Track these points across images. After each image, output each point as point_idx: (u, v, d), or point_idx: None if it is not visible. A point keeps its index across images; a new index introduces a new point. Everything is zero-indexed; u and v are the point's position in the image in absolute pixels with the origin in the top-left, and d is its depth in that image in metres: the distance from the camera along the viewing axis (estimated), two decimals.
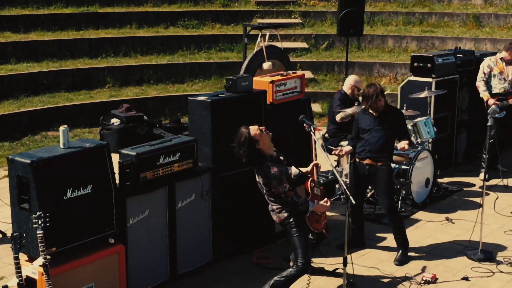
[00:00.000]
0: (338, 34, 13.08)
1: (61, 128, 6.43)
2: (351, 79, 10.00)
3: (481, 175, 10.64)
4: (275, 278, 6.60)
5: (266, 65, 10.18)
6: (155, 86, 15.16)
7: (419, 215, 9.24)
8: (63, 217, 6.25)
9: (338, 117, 9.69)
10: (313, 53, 16.97)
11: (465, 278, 7.43)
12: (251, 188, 7.20)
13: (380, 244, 8.34)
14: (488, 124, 7.96)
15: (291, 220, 6.62)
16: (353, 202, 6.06)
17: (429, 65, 10.61)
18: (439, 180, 10.34)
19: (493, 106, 8.03)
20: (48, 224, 5.96)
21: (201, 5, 18.54)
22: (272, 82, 8.20)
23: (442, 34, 17.14)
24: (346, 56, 13.25)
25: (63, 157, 6.29)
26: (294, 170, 7.07)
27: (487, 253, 7.97)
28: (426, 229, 8.79)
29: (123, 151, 6.95)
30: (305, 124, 7.17)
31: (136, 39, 16.48)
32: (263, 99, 8.04)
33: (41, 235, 5.92)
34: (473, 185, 10.46)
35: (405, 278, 7.44)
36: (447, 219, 9.03)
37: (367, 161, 7.82)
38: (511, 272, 7.60)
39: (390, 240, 8.33)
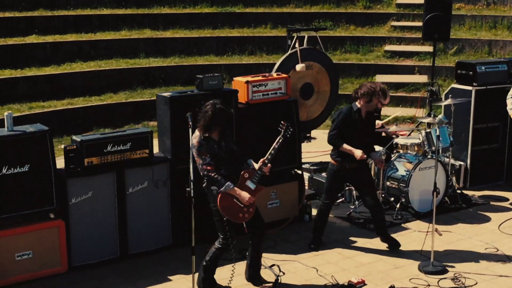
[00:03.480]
0: (423, 38, 12.90)
1: (5, 113, 7.42)
2: None
3: None
4: (205, 260, 7.20)
5: (299, 66, 10.46)
6: None
7: (413, 224, 9.12)
8: None
9: None
10: (439, 57, 16.60)
11: (392, 287, 7.38)
12: None
13: (343, 248, 8.41)
14: (436, 134, 7.79)
15: (212, 202, 7.03)
16: (192, 195, 6.31)
17: (470, 72, 10.28)
18: (471, 192, 10.08)
19: (439, 116, 7.79)
20: None
21: (343, 6, 18.83)
22: (247, 82, 8.60)
23: None
24: (432, 61, 12.99)
25: (1, 138, 7.27)
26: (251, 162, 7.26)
27: (437, 266, 7.78)
28: (406, 237, 8.68)
29: (73, 137, 7.83)
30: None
31: (264, 38, 17.23)
32: (234, 98, 8.45)
33: None
34: (507, 199, 10.00)
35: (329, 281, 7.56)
36: (435, 230, 8.81)
37: (355, 165, 8.09)
38: (447, 287, 7.39)
39: (358, 244, 8.46)
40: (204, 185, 7.02)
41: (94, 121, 13.78)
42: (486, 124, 10.43)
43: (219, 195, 6.93)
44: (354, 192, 9.46)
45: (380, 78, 15.92)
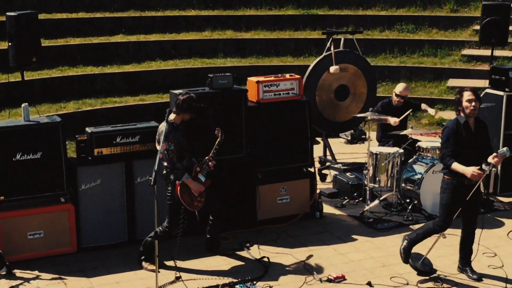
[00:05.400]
0: (480, 43, 12.82)
1: (23, 105, 8.20)
2: (397, 87, 10.21)
3: None
4: (149, 236, 7.93)
5: (333, 68, 10.73)
6: None
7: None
8: (12, 174, 8.03)
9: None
10: None
11: (369, 284, 7.59)
12: (219, 177, 8.40)
13: (341, 244, 8.67)
14: None
15: (169, 187, 7.77)
16: (152, 184, 6.73)
17: (503, 78, 10.20)
18: (501, 198, 10.06)
19: (503, 149, 7.42)
20: None
21: (429, 9, 18.73)
22: (258, 82, 9.00)
23: None
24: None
25: (16, 128, 8.08)
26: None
27: (426, 265, 7.88)
28: None
29: (87, 129, 8.50)
30: None
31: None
32: (244, 97, 8.86)
33: None
34: None
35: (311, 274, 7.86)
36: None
37: (473, 182, 7.41)
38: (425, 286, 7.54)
39: (357, 242, 8.71)
40: (164, 172, 7.71)
41: (163, 117, 14.48)
42: None
43: (178, 185, 7.65)
44: (369, 191, 9.62)
45: (453, 83, 15.82)
